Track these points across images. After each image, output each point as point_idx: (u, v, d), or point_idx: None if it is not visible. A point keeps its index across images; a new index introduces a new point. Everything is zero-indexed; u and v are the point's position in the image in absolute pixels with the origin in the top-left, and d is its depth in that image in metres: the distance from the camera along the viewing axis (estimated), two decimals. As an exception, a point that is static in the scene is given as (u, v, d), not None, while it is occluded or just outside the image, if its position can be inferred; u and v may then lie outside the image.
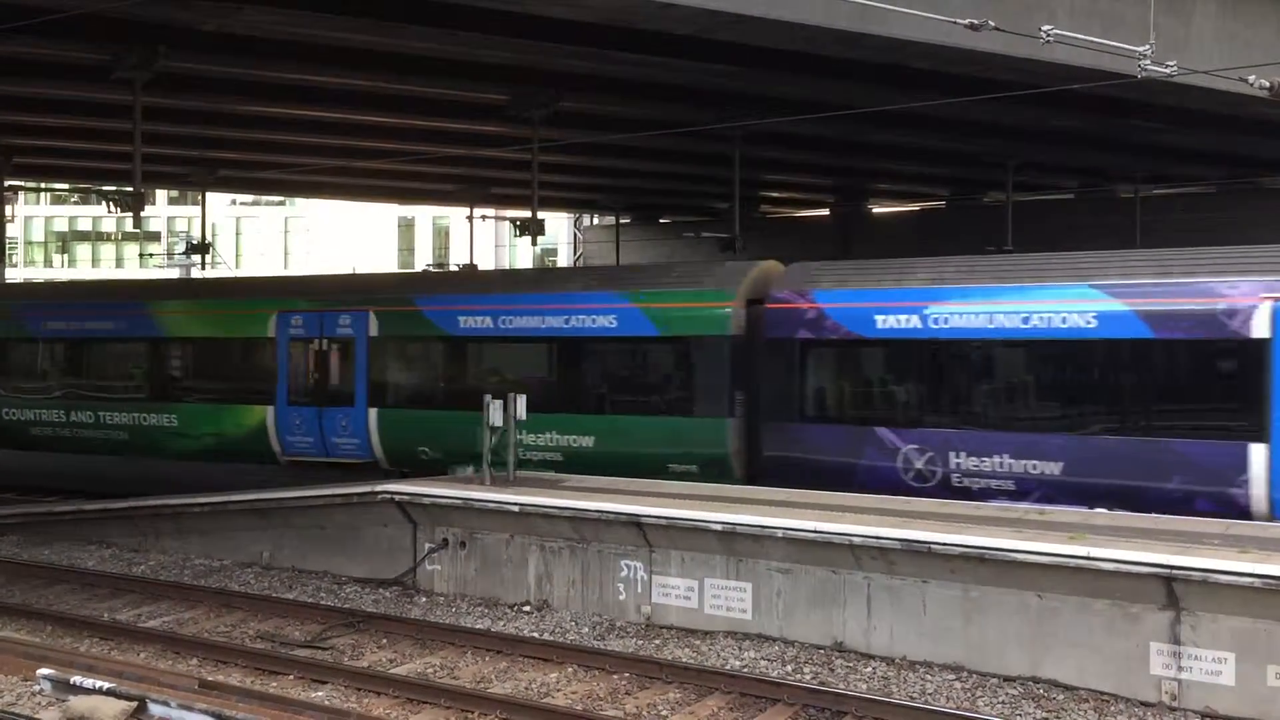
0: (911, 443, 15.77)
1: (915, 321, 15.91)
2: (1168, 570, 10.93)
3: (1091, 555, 11.29)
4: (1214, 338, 14.12)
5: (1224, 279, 14.32)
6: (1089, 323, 14.89)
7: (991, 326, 15.49)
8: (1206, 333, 14.15)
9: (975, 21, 14.18)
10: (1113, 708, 11.01)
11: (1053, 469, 14.87)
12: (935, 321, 15.84)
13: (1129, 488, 14.33)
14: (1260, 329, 13.77)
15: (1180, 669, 10.97)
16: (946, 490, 15.35)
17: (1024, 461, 15.08)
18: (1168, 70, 15.44)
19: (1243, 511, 13.62)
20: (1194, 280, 14.49)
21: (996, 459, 15.24)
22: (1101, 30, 15.96)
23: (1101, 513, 13.75)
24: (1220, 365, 14.39)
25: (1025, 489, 14.97)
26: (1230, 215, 30.63)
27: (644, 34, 16.93)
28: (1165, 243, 17.95)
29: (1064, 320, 15.03)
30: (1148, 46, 15.21)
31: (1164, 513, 13.51)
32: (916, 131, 24.29)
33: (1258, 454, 13.66)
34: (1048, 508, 14.10)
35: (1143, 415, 14.68)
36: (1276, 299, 13.78)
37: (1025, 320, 15.30)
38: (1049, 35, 14.32)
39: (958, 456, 15.47)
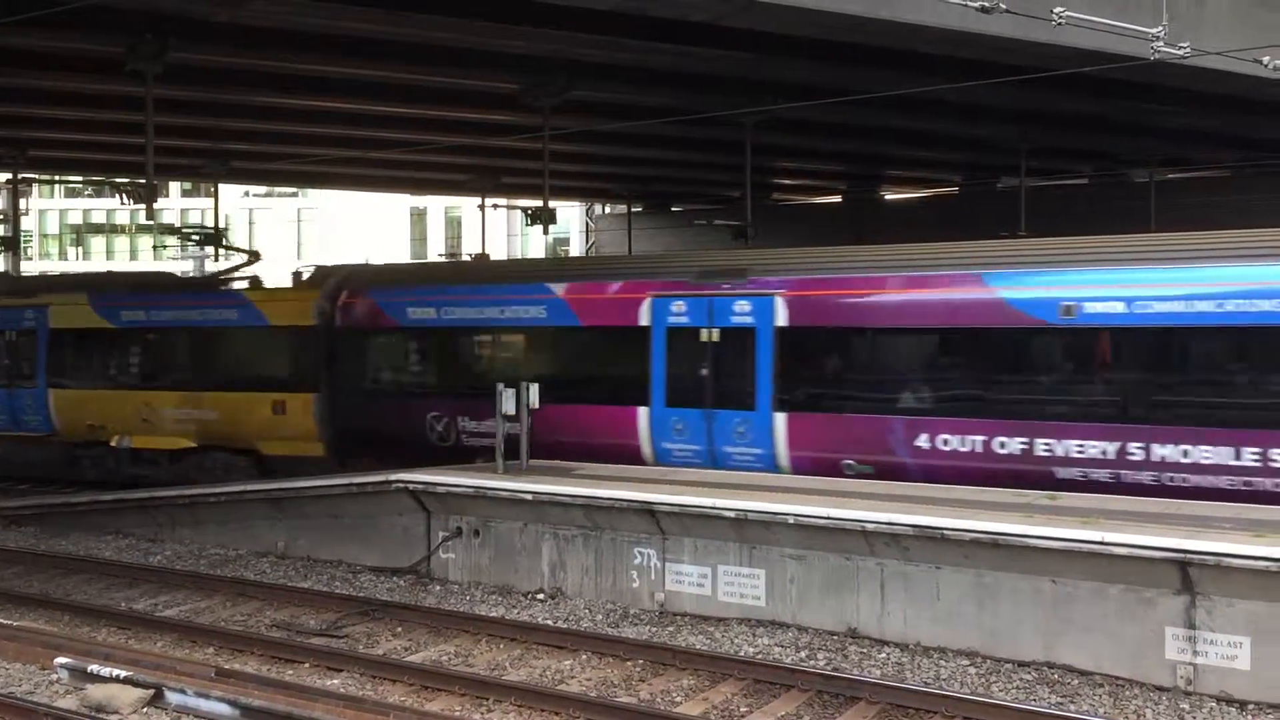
0: None
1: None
2: (1182, 555, 10.89)
3: (1105, 540, 11.26)
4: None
5: None
6: None
7: None
8: None
9: (987, 4, 14.11)
10: (1128, 692, 10.99)
11: None
12: None
13: None
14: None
15: (1196, 653, 10.94)
16: None
17: None
18: (1181, 52, 15.35)
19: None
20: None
21: None
22: (1114, 12, 15.82)
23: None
24: None
25: None
26: (1248, 198, 30.39)
27: (657, 21, 16.89)
28: (1181, 227, 17.79)
29: None
30: (1160, 28, 15.12)
31: None
32: (929, 116, 24.17)
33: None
34: (1059, 493, 14.06)
35: None
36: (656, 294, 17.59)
37: None
38: (1061, 18, 14.25)
39: None
